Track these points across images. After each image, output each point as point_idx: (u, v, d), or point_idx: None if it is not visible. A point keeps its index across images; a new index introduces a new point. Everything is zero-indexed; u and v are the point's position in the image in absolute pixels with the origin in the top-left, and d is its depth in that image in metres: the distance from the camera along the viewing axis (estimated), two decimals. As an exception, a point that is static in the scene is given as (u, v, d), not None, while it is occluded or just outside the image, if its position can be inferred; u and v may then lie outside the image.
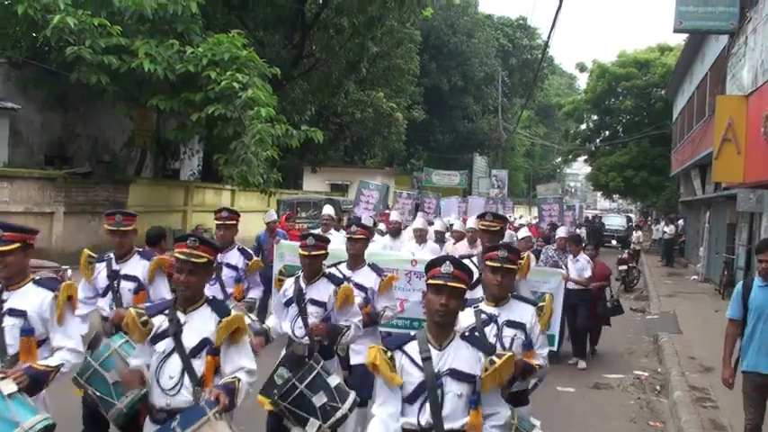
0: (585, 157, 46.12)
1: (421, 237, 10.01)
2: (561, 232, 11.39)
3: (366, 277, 6.20)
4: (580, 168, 73.83)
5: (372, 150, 38.11)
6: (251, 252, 6.90)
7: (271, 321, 5.70)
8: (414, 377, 3.48)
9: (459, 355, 3.51)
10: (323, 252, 5.47)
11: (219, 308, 4.03)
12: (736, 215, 17.64)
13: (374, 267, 6.31)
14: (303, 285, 5.48)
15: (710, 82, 21.26)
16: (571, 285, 9.93)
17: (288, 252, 9.39)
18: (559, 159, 62.91)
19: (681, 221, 31.48)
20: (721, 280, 18.23)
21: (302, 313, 5.42)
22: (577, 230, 18.79)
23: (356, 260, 6.24)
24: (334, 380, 4.97)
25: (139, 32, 15.00)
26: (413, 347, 3.52)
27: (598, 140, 42.68)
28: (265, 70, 15.94)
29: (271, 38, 24.33)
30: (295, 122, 20.74)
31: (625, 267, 20.19)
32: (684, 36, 24.88)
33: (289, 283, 5.58)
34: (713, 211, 22.07)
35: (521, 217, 19.44)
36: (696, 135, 22.88)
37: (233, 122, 14.95)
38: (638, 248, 24.62)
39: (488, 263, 4.35)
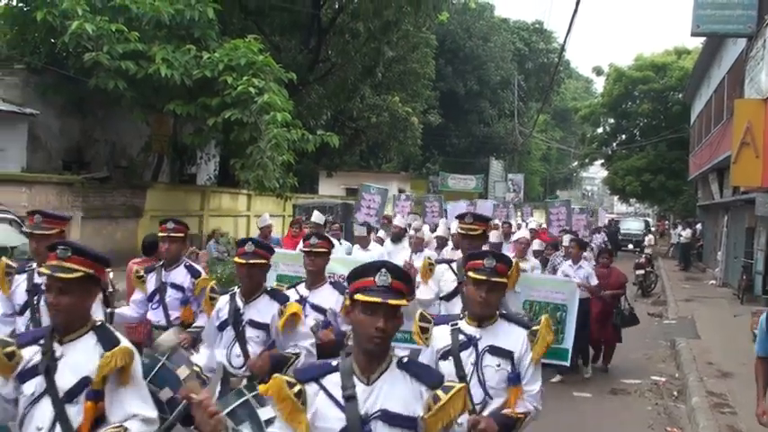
0: (602, 160, 46.01)
1: (416, 244, 9.51)
2: (567, 240, 10.82)
3: (326, 297, 5.41)
4: (597, 172, 73.51)
5: (388, 155, 38.12)
6: (199, 269, 6.04)
7: (201, 357, 4.78)
8: (332, 421, 2.63)
9: (394, 391, 2.67)
10: (263, 262, 4.59)
11: (106, 337, 3.13)
12: (754, 219, 17.51)
13: (336, 285, 5.54)
14: (240, 304, 4.58)
15: (728, 85, 21.16)
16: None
17: (282, 261, 8.66)
18: (576, 163, 62.77)
19: (698, 225, 31.26)
20: (740, 285, 18.10)
21: (240, 338, 4.51)
22: (594, 236, 18.62)
23: (315, 277, 5.44)
24: (267, 413, 3.77)
25: (156, 38, 15.08)
26: (333, 381, 2.68)
27: (615, 144, 42.58)
28: (281, 75, 15.99)
29: (287, 43, 24.41)
30: (311, 127, 20.80)
31: (642, 272, 20.08)
32: (702, 39, 24.78)
33: (223, 302, 4.68)
34: (731, 216, 21.91)
35: (527, 224, 18.54)
36: (714, 139, 22.76)
37: (249, 127, 15.00)
38: (650, 253, 24.38)
39: (471, 274, 3.56)
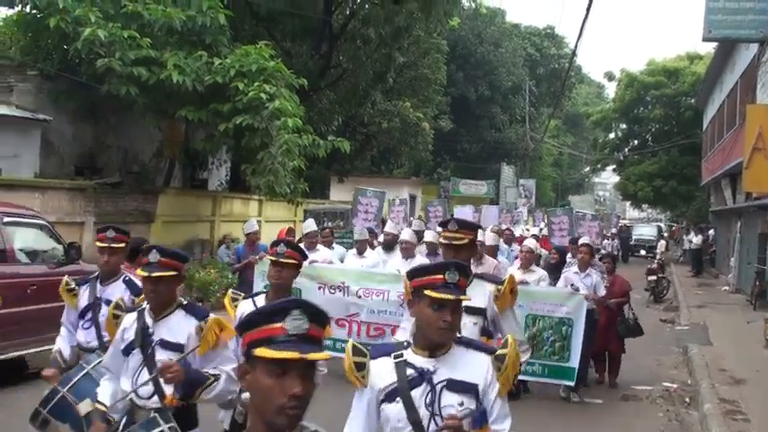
0: (614, 166, 45.88)
1: (407, 250, 9.21)
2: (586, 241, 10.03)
3: None
4: (608, 178, 73.36)
5: (399, 160, 38.12)
6: (139, 285, 4.80)
7: (104, 391, 4.00)
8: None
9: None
10: (172, 274, 3.82)
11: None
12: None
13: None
14: (149, 321, 3.88)
15: (741, 90, 21.08)
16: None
17: None
18: (588, 169, 62.59)
19: (711, 231, 31.11)
20: (753, 291, 18.01)
21: (148, 362, 3.79)
22: (605, 243, 18.53)
23: (280, 292, 4.49)
24: None
25: (168, 44, 15.15)
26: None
27: (627, 149, 42.44)
28: (292, 81, 16.03)
29: (298, 49, 24.46)
30: (322, 132, 20.82)
31: (654, 278, 20.01)
32: (714, 44, 24.69)
33: (128, 321, 3.95)
34: (744, 221, 21.80)
35: (528, 231, 17.81)
36: (726, 144, 22.67)
37: (260, 133, 15.03)
38: (662, 258, 24.26)
39: (430, 293, 2.84)
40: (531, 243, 9.24)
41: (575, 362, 7.94)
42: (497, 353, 2.97)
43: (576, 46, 23.61)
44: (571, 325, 7.94)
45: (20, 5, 14.59)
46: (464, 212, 20.48)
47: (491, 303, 4.29)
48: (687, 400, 9.33)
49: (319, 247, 10.05)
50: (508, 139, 46.63)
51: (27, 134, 16.13)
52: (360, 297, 8.58)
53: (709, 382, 9.70)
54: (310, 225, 10.16)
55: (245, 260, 10.05)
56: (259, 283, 8.57)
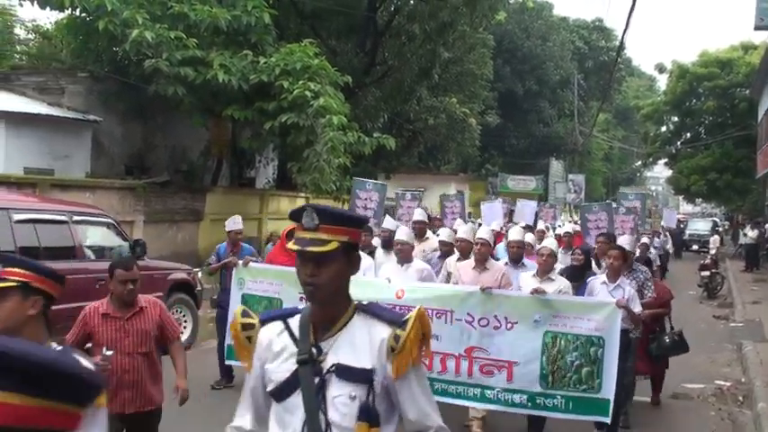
0: (666, 160, 45.05)
1: (403, 252, 7.38)
2: (624, 241, 7.90)
3: None
4: (661, 172, 72.09)
5: (446, 156, 38.01)
6: None
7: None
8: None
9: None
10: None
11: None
12: (825, 218, 16.92)
13: None
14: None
15: (797, 80, 20.48)
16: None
17: (251, 278, 7.36)
18: (639, 163, 61.60)
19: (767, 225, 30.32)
20: (810, 286, 17.49)
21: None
22: (649, 240, 14.72)
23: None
24: None
25: (214, 44, 15.35)
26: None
27: (679, 143, 41.60)
28: (337, 78, 16.08)
29: (343, 46, 24.53)
30: (367, 130, 20.85)
31: (708, 273, 19.57)
32: (768, 33, 24.06)
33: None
34: (802, 215, 21.19)
35: (553, 228, 15.45)
36: (782, 135, 22.06)
37: (305, 131, 15.12)
38: (714, 254, 23.64)
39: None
40: (550, 244, 7.28)
41: (608, 392, 6.14)
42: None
43: (622, 38, 23.18)
44: (602, 345, 6.16)
45: (69, 8, 14.87)
46: (493, 209, 18.15)
47: (383, 361, 2.19)
48: (740, 398, 9.08)
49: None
50: (557, 134, 46.15)
51: (78, 135, 16.49)
52: None
53: (763, 380, 9.42)
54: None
55: (224, 260, 8.22)
56: (236, 292, 7.35)
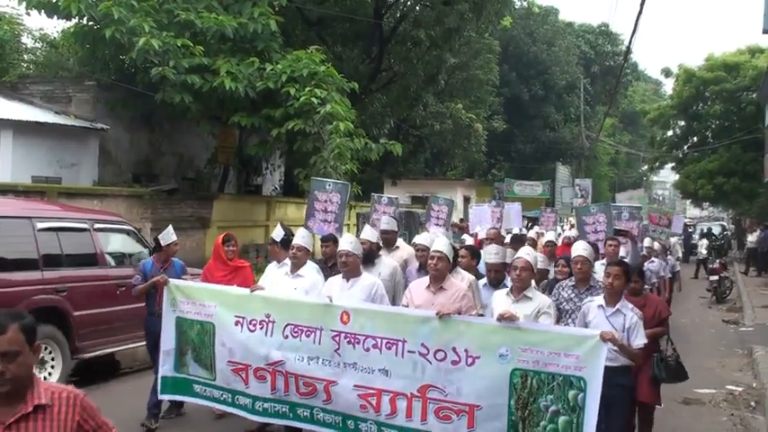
0: (673, 164, 44.92)
1: (348, 265, 6.22)
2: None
3: None
4: (667, 176, 71.88)
5: (453, 162, 38.02)
6: None
7: None
8: None
9: None
10: None
11: None
12: (835, 222, 16.83)
13: None
14: None
15: (804, 83, 20.41)
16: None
17: (183, 298, 6.47)
18: (645, 167, 61.42)
19: None
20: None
21: None
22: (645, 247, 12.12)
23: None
24: None
25: (221, 51, 15.36)
26: None
27: (686, 147, 41.46)
28: (344, 85, 16.08)
29: (349, 53, 24.57)
30: (374, 136, 20.86)
31: (716, 278, 19.49)
32: (776, 37, 23.99)
33: None
34: (811, 219, 21.08)
35: (560, 233, 14.93)
36: (790, 139, 21.97)
37: (312, 137, 15.13)
38: (701, 258, 24.13)
39: None
40: (526, 254, 5.95)
41: None
42: None
43: (629, 42, 23.16)
44: (583, 388, 4.91)
45: (77, 17, 14.91)
46: (481, 213, 16.73)
47: None
48: (752, 404, 9.02)
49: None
50: (563, 139, 46.07)
51: (86, 143, 16.53)
52: (286, 337, 5.93)
53: (775, 385, 9.38)
54: (301, 240, 6.84)
55: (152, 279, 7.06)
56: (169, 315, 6.50)
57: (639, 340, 5.47)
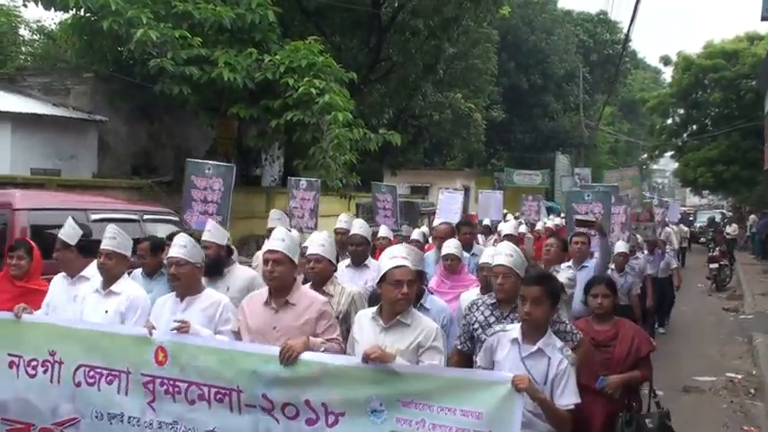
0: (672, 152, 44.96)
1: (179, 278, 4.61)
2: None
3: None
4: (667, 164, 71.89)
5: (452, 152, 37.98)
6: None
7: None
8: None
9: None
10: None
11: None
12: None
13: None
14: None
15: (804, 70, 20.38)
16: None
17: None
18: (645, 156, 61.43)
19: (752, 217, 30.77)
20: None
21: None
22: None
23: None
24: None
25: (219, 43, 15.32)
26: None
27: (685, 135, 41.48)
28: (342, 75, 16.06)
29: (347, 42, 24.49)
30: (373, 126, 20.82)
31: (716, 266, 19.51)
32: (774, 24, 23.95)
33: None
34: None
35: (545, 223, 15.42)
36: (790, 126, 21.96)
37: (311, 128, 15.10)
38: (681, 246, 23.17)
39: None
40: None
41: None
42: None
43: (628, 30, 23.05)
44: None
45: (74, 9, 14.86)
46: (451, 200, 13.74)
47: None
48: (752, 391, 9.06)
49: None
50: (562, 128, 46.00)
51: (84, 135, 16.50)
52: (79, 384, 4.42)
53: (774, 372, 9.41)
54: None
55: None
56: None
57: (567, 399, 3.75)
